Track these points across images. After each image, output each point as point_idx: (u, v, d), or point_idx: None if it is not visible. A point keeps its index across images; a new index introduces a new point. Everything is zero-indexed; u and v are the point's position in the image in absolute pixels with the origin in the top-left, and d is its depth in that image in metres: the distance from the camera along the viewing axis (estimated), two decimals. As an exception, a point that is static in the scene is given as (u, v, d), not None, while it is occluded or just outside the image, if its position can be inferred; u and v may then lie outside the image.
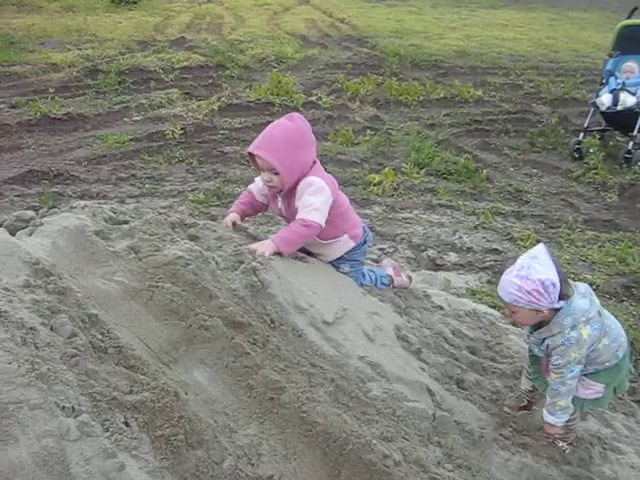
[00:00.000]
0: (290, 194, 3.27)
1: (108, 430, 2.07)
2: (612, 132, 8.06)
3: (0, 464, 1.89)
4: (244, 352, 2.53)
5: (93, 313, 2.36)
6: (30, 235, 2.65)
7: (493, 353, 3.83)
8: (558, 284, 2.81)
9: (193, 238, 2.96)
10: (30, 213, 2.86)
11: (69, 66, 10.45)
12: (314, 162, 3.31)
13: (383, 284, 3.88)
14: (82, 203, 2.99)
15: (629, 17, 7.91)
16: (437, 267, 5.16)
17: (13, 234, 2.67)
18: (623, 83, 7.55)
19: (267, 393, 2.47)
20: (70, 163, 6.90)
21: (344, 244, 3.46)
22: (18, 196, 5.98)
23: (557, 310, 2.86)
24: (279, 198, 3.38)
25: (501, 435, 3.09)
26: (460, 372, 3.36)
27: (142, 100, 8.96)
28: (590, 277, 5.01)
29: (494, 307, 4.50)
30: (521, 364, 3.72)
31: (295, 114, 3.33)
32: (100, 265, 2.63)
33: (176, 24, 14.67)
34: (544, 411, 3.02)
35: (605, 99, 7.42)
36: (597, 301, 2.95)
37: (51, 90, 9.18)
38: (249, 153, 3.26)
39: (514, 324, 3.18)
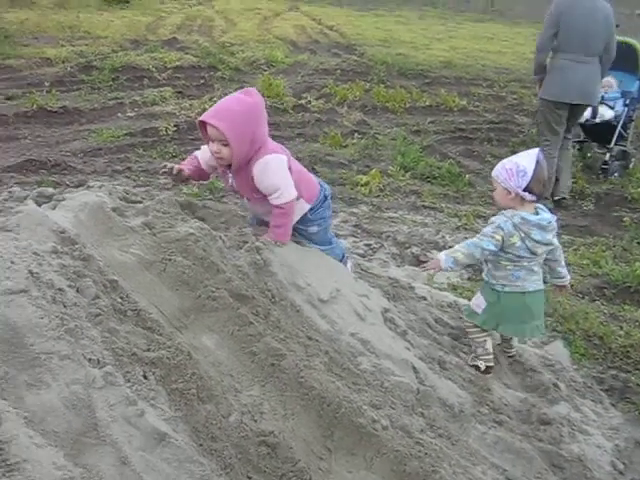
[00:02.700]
0: (242, 171, 3.30)
1: (129, 381, 2.29)
2: (590, 144, 8.37)
3: (35, 405, 2.11)
4: (248, 322, 2.76)
5: (113, 279, 2.58)
6: (54, 209, 2.87)
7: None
8: (529, 176, 3.39)
9: (200, 219, 3.19)
10: (51, 190, 3.08)
11: (63, 61, 10.61)
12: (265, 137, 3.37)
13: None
14: (98, 183, 3.21)
15: (609, 34, 8.22)
16: (420, 263, 5.40)
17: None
18: (602, 97, 7.86)
19: (269, 359, 2.70)
20: (66, 154, 7.09)
21: (300, 208, 3.50)
22: (17, 183, 6.14)
23: (523, 201, 3.47)
24: (229, 174, 3.40)
25: (479, 412, 3.34)
26: (442, 354, 3.62)
27: (136, 97, 9.15)
28: (565, 277, 5.28)
29: (474, 301, 4.76)
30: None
31: (251, 88, 3.38)
32: (117, 238, 2.85)
33: (168, 25, 14.86)
34: (444, 251, 3.60)
35: (585, 112, 7.73)
36: (543, 251, 3.56)
37: (46, 84, 9.34)
38: (200, 122, 3.25)
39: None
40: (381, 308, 3.50)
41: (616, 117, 7.75)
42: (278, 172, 3.31)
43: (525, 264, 3.54)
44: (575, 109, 6.89)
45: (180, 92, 9.62)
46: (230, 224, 3.30)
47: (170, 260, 2.80)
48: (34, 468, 1.91)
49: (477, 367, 3.69)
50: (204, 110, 8.54)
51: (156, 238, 2.89)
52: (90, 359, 2.27)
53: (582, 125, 7.93)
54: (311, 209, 3.57)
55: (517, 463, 3.15)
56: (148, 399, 2.29)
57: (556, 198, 6.97)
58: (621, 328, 4.67)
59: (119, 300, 2.55)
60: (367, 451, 2.65)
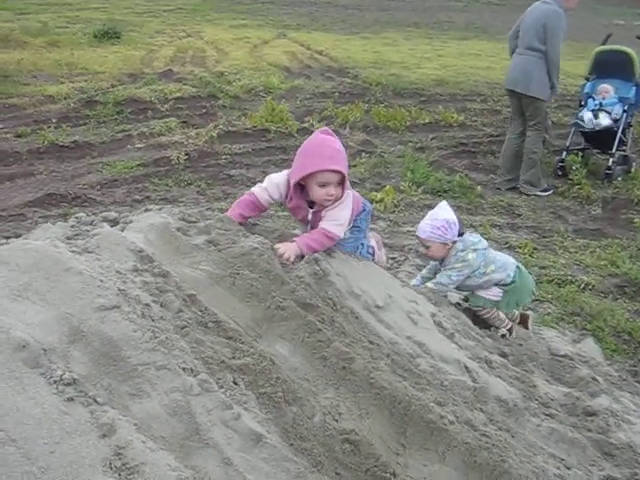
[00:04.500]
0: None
1: (222, 387, 2.42)
2: (591, 150, 8.59)
3: (140, 413, 2.24)
4: (316, 329, 2.89)
5: (192, 293, 2.72)
6: (122, 231, 3.00)
7: (510, 341, 4.24)
8: (457, 223, 4.15)
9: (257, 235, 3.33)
10: (114, 214, 3.22)
11: (65, 98, 10.76)
12: None
13: (368, 253, 3.98)
14: (156, 206, 3.35)
15: (603, 43, 8.50)
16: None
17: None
18: (600, 104, 8.11)
19: (339, 363, 2.83)
20: (84, 187, 7.22)
21: None
22: (41, 217, 6.28)
23: (455, 244, 4.16)
24: (309, 210, 3.52)
25: (529, 406, 3.48)
26: (487, 354, 3.75)
27: (142, 129, 9.31)
28: (585, 279, 5.45)
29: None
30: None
31: (324, 128, 3.56)
32: (186, 256, 2.99)
33: (161, 57, 15.06)
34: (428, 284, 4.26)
35: (586, 119, 7.97)
36: (486, 243, 4.26)
37: (53, 120, 9.49)
38: (312, 173, 3.30)
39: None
40: (429, 312, 3.64)
41: (616, 123, 7.98)
42: (346, 209, 3.47)
43: (491, 254, 4.24)
44: (519, 98, 7.80)
45: (185, 122, 9.80)
46: (283, 238, 3.44)
47: (238, 274, 2.94)
48: (152, 470, 2.03)
49: (504, 335, 4.27)
50: (212, 138, 8.88)
51: (222, 254, 3.02)
52: (184, 368, 2.39)
53: (583, 132, 8.16)
54: None
55: (572, 452, 3.28)
56: (241, 403, 2.42)
57: (508, 186, 7.99)
58: (647, 323, 4.84)
59: (199, 313, 2.68)
60: (439, 445, 2.78)
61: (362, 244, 3.89)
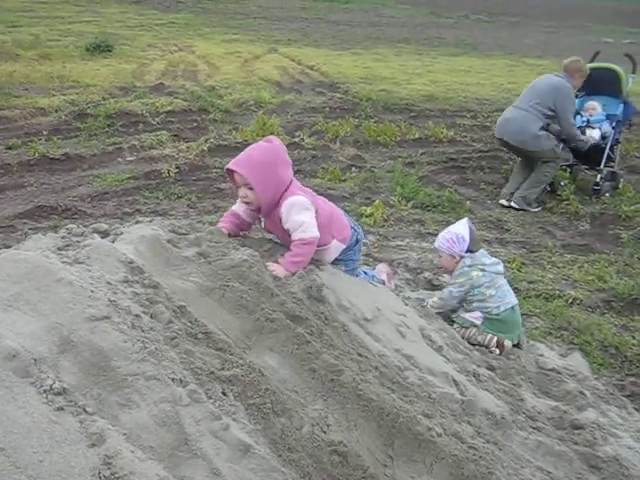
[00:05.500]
0: (271, 214, 3.47)
1: (211, 398, 2.44)
2: (580, 166, 8.65)
3: (129, 423, 2.25)
4: (305, 341, 2.91)
5: (182, 305, 2.74)
6: (113, 242, 3.02)
7: (497, 355, 4.27)
8: (467, 240, 4.34)
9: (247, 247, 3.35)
10: (105, 226, 3.23)
11: (56, 110, 10.75)
12: (291, 181, 3.50)
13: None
14: (147, 219, 3.38)
15: (591, 61, 8.58)
16: (434, 287, 5.58)
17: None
18: (588, 120, 8.19)
19: (328, 375, 2.85)
20: (74, 200, 7.21)
21: (335, 249, 3.66)
22: (31, 229, 6.27)
23: (464, 260, 4.36)
24: (261, 217, 3.59)
25: (517, 419, 3.50)
26: (475, 367, 3.78)
27: (133, 142, 9.31)
28: (573, 293, 5.49)
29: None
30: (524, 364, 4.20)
31: (272, 136, 3.57)
32: (176, 268, 3.01)
33: (152, 71, 15.08)
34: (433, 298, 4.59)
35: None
36: (501, 269, 4.43)
37: (44, 132, 9.49)
38: (228, 170, 3.45)
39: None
40: (418, 325, 3.67)
41: (604, 139, 8.06)
42: (302, 212, 3.41)
43: (498, 283, 4.35)
44: (511, 147, 8.06)
45: (176, 135, 9.80)
46: (273, 251, 3.46)
47: (228, 286, 2.96)
48: (140, 480, 2.05)
49: (500, 352, 4.28)
50: (202, 151, 8.91)
51: (212, 266, 3.05)
52: (173, 379, 2.41)
53: (571, 148, 8.23)
54: (342, 250, 3.72)
55: (558, 465, 3.31)
56: (230, 414, 2.44)
57: (503, 202, 7.88)
58: (634, 338, 4.89)
59: (189, 324, 2.70)
60: (426, 457, 2.80)
61: (357, 275, 3.95)
